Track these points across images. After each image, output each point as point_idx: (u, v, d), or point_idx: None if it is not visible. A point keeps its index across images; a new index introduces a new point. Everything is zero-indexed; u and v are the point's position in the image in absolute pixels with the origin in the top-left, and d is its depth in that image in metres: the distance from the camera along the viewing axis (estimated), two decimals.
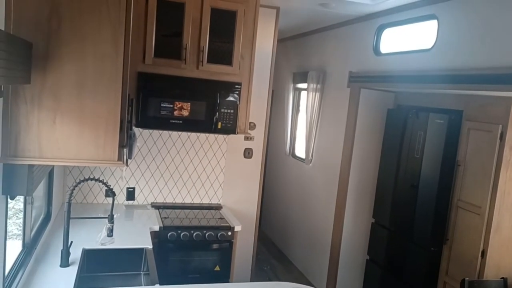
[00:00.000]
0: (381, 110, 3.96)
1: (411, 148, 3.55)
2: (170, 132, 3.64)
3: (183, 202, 3.77)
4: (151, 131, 3.59)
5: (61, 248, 2.37)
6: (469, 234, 3.07)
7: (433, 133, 3.34)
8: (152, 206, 3.63)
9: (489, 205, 2.90)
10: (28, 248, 2.33)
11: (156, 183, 3.68)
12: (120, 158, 1.85)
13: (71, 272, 2.27)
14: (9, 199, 1.81)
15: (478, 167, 3.03)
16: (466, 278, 2.68)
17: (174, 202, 3.75)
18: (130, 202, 3.63)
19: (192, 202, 3.80)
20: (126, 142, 2.05)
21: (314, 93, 4.57)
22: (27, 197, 2.30)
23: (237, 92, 3.26)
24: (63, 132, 1.74)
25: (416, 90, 3.61)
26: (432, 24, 3.09)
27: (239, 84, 3.28)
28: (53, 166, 2.72)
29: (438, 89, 3.09)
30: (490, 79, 2.58)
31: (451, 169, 3.23)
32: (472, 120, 3.11)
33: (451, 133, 3.22)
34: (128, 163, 3.48)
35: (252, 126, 3.90)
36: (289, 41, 5.47)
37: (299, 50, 5.24)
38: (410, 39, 3.47)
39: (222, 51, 3.24)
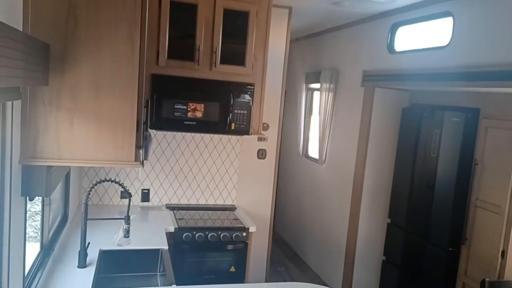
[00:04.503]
0: (395, 109, 3.92)
1: (427, 147, 3.50)
2: (183, 133, 3.65)
3: (197, 203, 3.78)
4: (165, 132, 3.60)
5: (78, 249, 2.39)
6: (489, 234, 3.01)
7: (449, 131, 3.29)
8: (167, 207, 3.64)
9: (508, 203, 2.84)
10: (46, 249, 2.35)
11: (171, 184, 3.69)
12: (137, 159, 1.86)
13: (89, 273, 2.28)
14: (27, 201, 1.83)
15: (497, 165, 2.98)
16: (487, 278, 2.63)
17: (188, 203, 3.75)
18: (145, 203, 3.64)
19: (206, 203, 3.80)
20: (142, 143, 2.05)
21: (327, 93, 4.55)
22: (45, 199, 2.32)
23: (250, 93, 3.25)
24: (80, 133, 1.75)
25: (432, 88, 3.57)
26: (448, 21, 3.05)
27: (252, 84, 3.27)
28: (70, 168, 2.74)
29: (454, 87, 3.04)
30: (508, 76, 2.53)
31: (468, 168, 3.18)
32: (490, 118, 3.06)
33: (468, 132, 3.17)
34: (144, 164, 3.50)
35: (266, 127, 3.89)
36: (301, 41, 5.46)
37: (311, 50, 5.22)
38: (425, 37, 3.43)
39: (235, 52, 3.23)
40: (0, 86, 1.06)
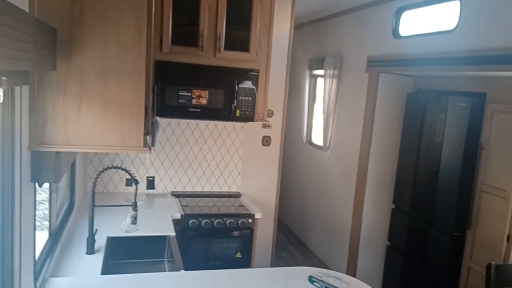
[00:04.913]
0: (400, 95, 3.90)
1: (432, 132, 3.49)
2: (188, 120, 3.64)
3: (203, 190, 3.78)
4: (169, 120, 3.59)
5: (86, 236, 2.40)
6: (494, 218, 3.02)
7: (454, 116, 3.28)
8: (172, 195, 3.64)
9: None
10: (54, 236, 2.36)
11: (176, 172, 3.69)
12: (145, 144, 1.85)
13: (98, 259, 2.30)
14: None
15: (503, 149, 2.97)
16: (492, 262, 2.64)
17: (193, 190, 3.76)
18: (150, 191, 3.65)
19: (211, 190, 3.81)
20: (150, 129, 2.05)
21: (331, 79, 4.52)
22: (52, 186, 2.33)
23: (255, 79, 3.23)
24: (88, 119, 1.74)
25: (438, 73, 3.54)
26: (455, 5, 3.01)
27: (257, 70, 3.25)
28: (76, 156, 2.73)
29: (461, 71, 3.02)
30: None
31: (474, 153, 3.18)
32: (496, 102, 3.05)
33: (474, 116, 3.16)
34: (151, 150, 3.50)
35: (270, 114, 3.88)
36: (305, 27, 5.41)
37: (315, 36, 5.18)
38: (431, 21, 3.39)
39: (239, 38, 3.21)
40: (11, 69, 1.05)
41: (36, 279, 1.84)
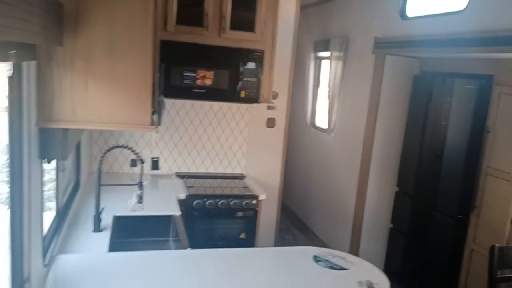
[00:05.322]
0: (406, 77, 3.87)
1: (437, 115, 3.47)
2: (192, 101, 3.62)
3: (207, 172, 3.79)
4: (173, 100, 3.57)
5: (92, 215, 2.41)
6: (498, 201, 3.02)
7: (461, 99, 3.26)
8: (177, 176, 3.65)
9: None
10: (61, 214, 2.38)
11: (180, 153, 3.69)
12: (152, 122, 1.84)
13: (104, 237, 2.32)
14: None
15: (509, 133, 2.96)
16: (496, 244, 2.65)
17: (197, 171, 3.77)
18: (155, 171, 3.65)
19: (216, 171, 3.81)
20: (156, 108, 2.04)
21: (336, 61, 4.48)
22: (59, 164, 2.33)
23: (260, 60, 3.20)
24: (96, 96, 1.73)
25: (445, 55, 3.50)
26: None
27: (262, 51, 3.22)
28: (82, 134, 2.73)
29: (470, 52, 2.98)
30: None
31: (479, 136, 3.16)
32: (504, 84, 3.02)
33: (480, 99, 3.13)
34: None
35: (275, 96, 3.85)
36: (311, 8, 5.33)
37: (320, 17, 5.11)
38: (439, 1, 3.34)
39: (244, 18, 3.17)
40: (19, 40, 1.04)
41: (44, 255, 1.86)
